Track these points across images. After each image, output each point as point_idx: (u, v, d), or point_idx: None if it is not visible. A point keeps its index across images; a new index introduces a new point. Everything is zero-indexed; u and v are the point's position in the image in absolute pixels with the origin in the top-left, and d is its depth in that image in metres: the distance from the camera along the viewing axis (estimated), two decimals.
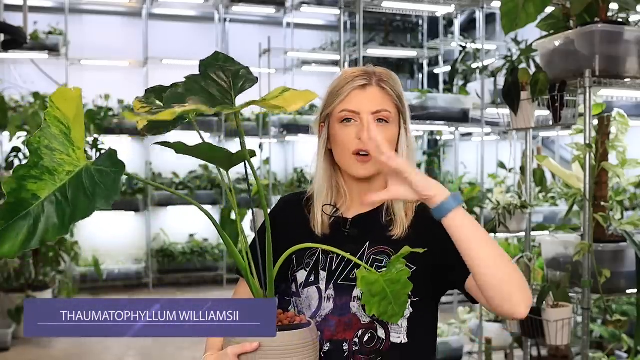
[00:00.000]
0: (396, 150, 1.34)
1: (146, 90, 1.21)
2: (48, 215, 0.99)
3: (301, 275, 1.35)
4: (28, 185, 1.01)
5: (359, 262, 1.20)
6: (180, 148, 1.06)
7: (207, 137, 7.83)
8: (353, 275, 1.30)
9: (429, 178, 1.16)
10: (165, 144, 1.08)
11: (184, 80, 1.15)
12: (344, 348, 1.29)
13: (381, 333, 1.30)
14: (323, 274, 1.33)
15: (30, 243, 0.98)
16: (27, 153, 1.19)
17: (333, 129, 1.34)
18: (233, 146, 7.38)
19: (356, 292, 1.30)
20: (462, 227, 1.14)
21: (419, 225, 1.33)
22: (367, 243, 1.34)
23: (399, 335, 1.30)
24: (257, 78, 1.18)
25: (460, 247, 1.15)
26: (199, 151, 1.09)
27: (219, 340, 1.26)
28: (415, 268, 1.29)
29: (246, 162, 1.17)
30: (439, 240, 1.23)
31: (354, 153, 1.31)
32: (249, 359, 1.13)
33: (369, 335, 1.30)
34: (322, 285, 1.33)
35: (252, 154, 1.15)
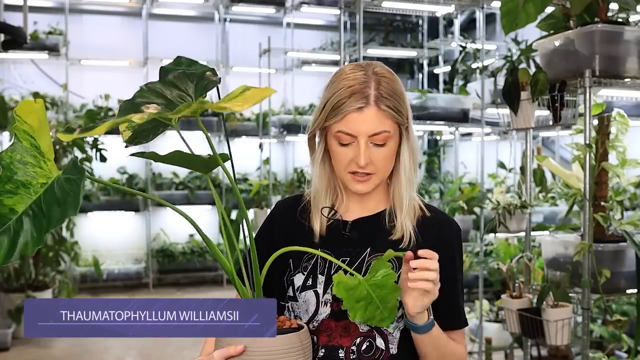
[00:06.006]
0: (397, 159, 1.31)
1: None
2: (26, 228, 0.99)
3: (298, 279, 1.33)
4: (4, 200, 1.00)
5: (347, 268, 1.17)
6: (153, 157, 1.08)
7: (205, 138, 7.81)
8: None
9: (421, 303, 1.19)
10: (140, 154, 1.10)
11: (139, 89, 1.14)
12: (340, 355, 1.28)
13: (380, 342, 1.28)
14: (321, 278, 1.31)
15: (11, 258, 0.97)
16: None
17: (330, 142, 1.30)
18: (233, 146, 7.34)
19: None
20: (423, 342, 1.25)
21: (424, 239, 1.32)
22: (369, 249, 1.31)
23: (392, 346, 1.29)
24: (220, 79, 1.14)
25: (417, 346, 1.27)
26: (172, 159, 1.09)
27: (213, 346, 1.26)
28: None
29: (229, 165, 1.16)
30: (446, 275, 1.27)
31: (349, 172, 1.29)
32: None
33: (367, 344, 1.28)
34: (320, 290, 1.31)
35: (225, 157, 1.14)
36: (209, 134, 1.15)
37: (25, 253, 0.98)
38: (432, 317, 1.23)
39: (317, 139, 1.35)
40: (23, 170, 1.02)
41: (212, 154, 1.12)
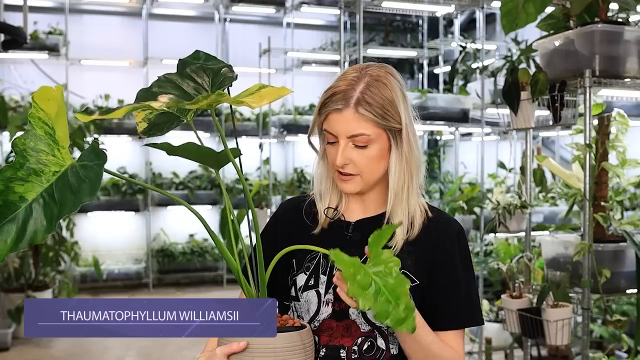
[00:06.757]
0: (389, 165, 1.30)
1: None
2: (36, 217, 0.99)
3: (301, 279, 1.33)
4: (15, 188, 1.00)
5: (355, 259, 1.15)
6: (166, 148, 1.08)
7: (207, 137, 7.83)
8: None
9: None
10: (153, 145, 1.10)
11: (156, 79, 1.14)
12: (341, 355, 1.28)
13: (381, 342, 1.29)
14: (323, 278, 1.31)
15: (19, 245, 0.98)
16: None
17: (325, 140, 1.33)
18: (232, 146, 7.31)
19: None
20: (399, 337, 1.25)
21: (427, 243, 1.32)
22: None
23: (393, 346, 1.29)
24: (237, 75, 1.15)
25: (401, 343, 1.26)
26: (186, 151, 1.09)
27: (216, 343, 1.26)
28: (418, 283, 1.29)
29: (237, 162, 1.17)
30: (441, 273, 1.30)
31: (336, 171, 1.30)
32: (237, 359, 1.13)
33: (369, 343, 1.28)
34: (322, 289, 1.31)
35: (236, 153, 1.15)
36: (221, 130, 1.15)
37: (35, 242, 0.98)
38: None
39: (319, 138, 1.37)
40: (36, 157, 1.03)
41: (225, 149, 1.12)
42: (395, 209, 1.30)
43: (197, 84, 1.14)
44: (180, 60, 1.19)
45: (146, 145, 1.15)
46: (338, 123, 1.26)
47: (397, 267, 1.06)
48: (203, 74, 1.13)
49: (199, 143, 1.13)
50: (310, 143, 1.38)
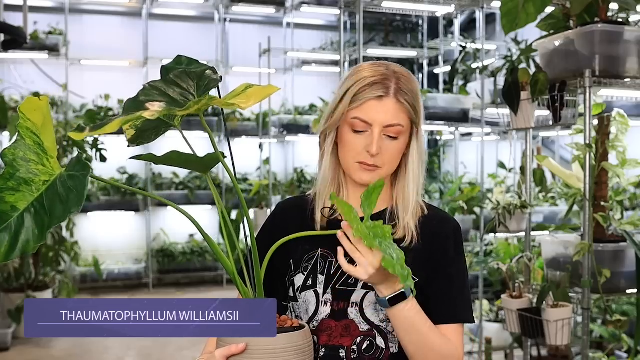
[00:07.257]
0: (403, 158, 1.32)
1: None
2: (27, 226, 0.99)
3: (299, 279, 1.33)
4: (6, 197, 1.00)
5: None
6: (151, 159, 1.10)
7: (206, 137, 7.82)
8: (351, 280, 1.29)
9: (386, 274, 1.15)
10: (138, 157, 1.12)
11: (142, 87, 1.15)
12: (341, 354, 1.28)
13: (380, 342, 1.29)
14: (321, 278, 1.32)
15: (12, 254, 0.98)
16: None
17: (343, 130, 1.30)
18: (233, 146, 7.29)
19: (354, 298, 1.29)
20: (397, 320, 1.22)
21: (424, 240, 1.32)
22: None
23: (392, 345, 1.29)
24: (221, 77, 1.15)
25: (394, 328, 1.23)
26: (169, 160, 1.10)
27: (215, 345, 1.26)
28: (417, 280, 1.29)
29: (230, 164, 1.17)
30: (435, 268, 1.31)
31: (357, 162, 1.29)
32: None
33: (368, 342, 1.28)
34: (320, 289, 1.31)
35: (223, 155, 1.15)
36: (210, 132, 1.15)
37: (27, 251, 0.98)
38: (394, 295, 1.18)
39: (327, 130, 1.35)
40: (26, 167, 1.03)
41: (209, 153, 1.13)
42: (414, 204, 1.32)
43: (183, 89, 1.13)
44: (162, 66, 1.18)
45: (131, 158, 1.15)
46: (377, 111, 1.27)
47: (389, 232, 1.10)
48: (187, 79, 1.13)
49: (186, 149, 1.14)
50: (321, 134, 1.36)
